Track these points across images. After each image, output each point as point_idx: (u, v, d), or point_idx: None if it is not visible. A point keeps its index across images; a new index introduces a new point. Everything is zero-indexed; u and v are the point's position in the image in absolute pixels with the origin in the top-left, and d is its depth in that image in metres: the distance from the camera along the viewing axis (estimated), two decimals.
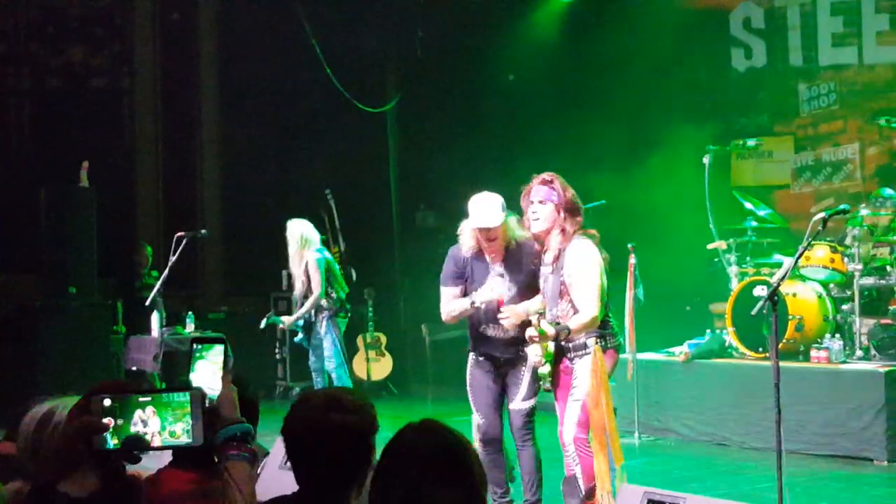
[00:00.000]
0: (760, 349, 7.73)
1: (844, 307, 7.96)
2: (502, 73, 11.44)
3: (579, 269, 4.93)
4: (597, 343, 4.97)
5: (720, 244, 8.51)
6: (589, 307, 4.90)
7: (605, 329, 5.03)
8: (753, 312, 5.02)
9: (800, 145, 10.39)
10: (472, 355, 5.45)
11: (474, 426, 5.38)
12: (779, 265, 8.02)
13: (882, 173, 9.59)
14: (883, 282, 7.73)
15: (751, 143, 9.80)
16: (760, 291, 7.65)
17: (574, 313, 4.94)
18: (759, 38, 10.64)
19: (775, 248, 8.65)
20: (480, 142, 11.15)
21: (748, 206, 8.77)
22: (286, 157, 11.43)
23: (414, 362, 11.51)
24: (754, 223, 8.57)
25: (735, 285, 8.19)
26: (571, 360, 5.03)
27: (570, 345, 5.02)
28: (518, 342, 5.28)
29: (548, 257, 5.06)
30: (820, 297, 7.93)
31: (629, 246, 7.99)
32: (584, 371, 4.97)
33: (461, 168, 10.71)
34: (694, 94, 10.42)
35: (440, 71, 11.63)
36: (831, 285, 8.06)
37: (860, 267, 7.69)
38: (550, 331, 4.85)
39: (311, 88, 11.32)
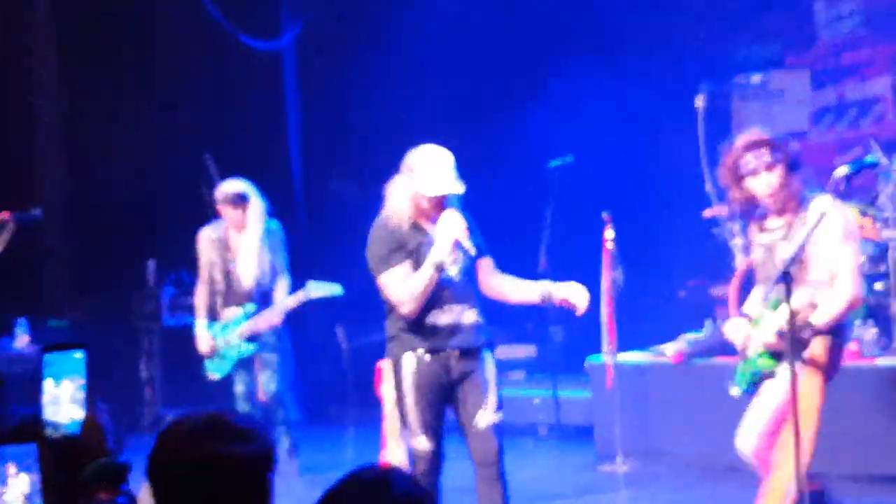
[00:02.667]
0: None
1: (878, 286, 8.06)
2: None
3: (833, 234, 4.90)
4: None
5: (720, 210, 8.57)
6: (845, 285, 4.84)
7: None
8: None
9: (818, 81, 10.52)
10: (411, 355, 5.26)
11: (413, 451, 5.26)
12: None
13: None
14: None
15: (756, 79, 9.89)
16: None
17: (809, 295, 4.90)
18: None
19: None
20: (412, 86, 11.09)
21: None
22: (150, 113, 11.23)
23: (328, 376, 11.43)
24: None
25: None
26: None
27: None
28: (481, 328, 5.29)
29: (775, 221, 5.11)
30: None
31: (604, 215, 8.03)
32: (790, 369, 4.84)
33: (387, 122, 10.66)
34: (683, 18, 10.48)
35: None
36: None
37: None
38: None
39: (180, 20, 11.13)
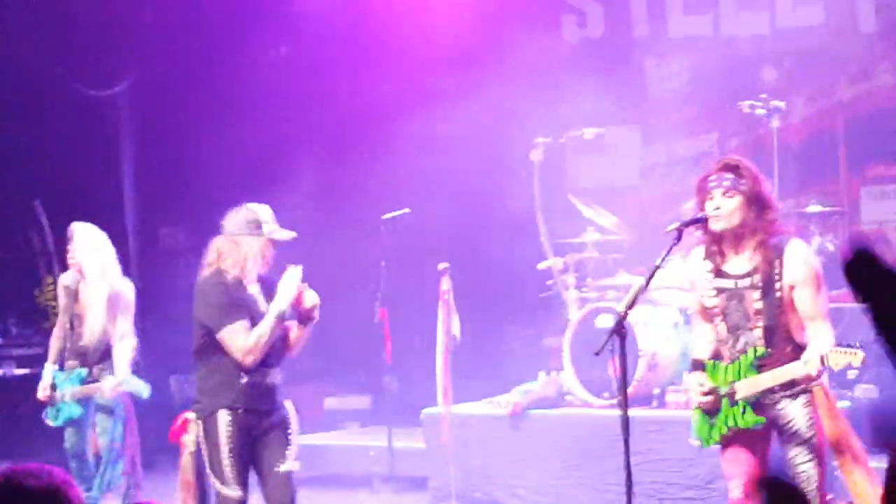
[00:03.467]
0: (606, 394, 7.99)
1: None
2: (272, 43, 11.41)
3: (811, 276, 4.93)
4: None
5: (554, 262, 8.76)
6: (826, 331, 4.91)
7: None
8: (597, 351, 5.12)
9: (649, 137, 10.83)
10: (225, 414, 5.54)
11: (224, 500, 5.53)
12: (629, 288, 8.31)
13: None
14: None
15: (589, 134, 10.16)
16: (605, 322, 7.92)
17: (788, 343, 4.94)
18: (595, 0, 11.05)
19: (623, 266, 8.96)
20: (246, 135, 11.07)
21: (588, 213, 9.06)
22: None
23: (159, 430, 11.23)
24: (596, 236, 8.86)
25: (574, 314, 8.44)
26: (775, 403, 5.00)
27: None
28: (281, 387, 5.65)
29: (736, 265, 5.03)
30: (676, 326, 8.28)
31: (441, 267, 8.12)
32: (803, 416, 4.94)
33: (222, 170, 10.61)
34: (517, 72, 10.68)
35: (189, 41, 11.48)
36: (690, 312, 8.42)
37: None
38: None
39: (9, 66, 10.93)
